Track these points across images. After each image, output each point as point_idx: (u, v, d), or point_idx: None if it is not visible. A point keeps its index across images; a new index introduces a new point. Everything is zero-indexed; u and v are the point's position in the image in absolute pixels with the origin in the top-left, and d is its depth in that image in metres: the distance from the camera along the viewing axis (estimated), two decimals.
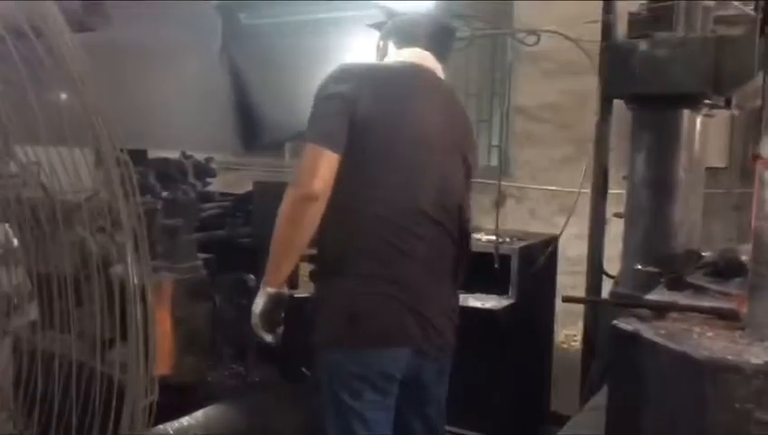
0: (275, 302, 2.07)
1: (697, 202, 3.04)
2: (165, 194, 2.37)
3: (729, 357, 1.85)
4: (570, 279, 3.74)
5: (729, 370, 1.82)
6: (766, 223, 1.98)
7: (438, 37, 2.20)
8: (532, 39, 3.42)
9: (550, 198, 4.39)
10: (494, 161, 4.52)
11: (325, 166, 1.98)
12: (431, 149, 2.12)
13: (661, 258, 2.78)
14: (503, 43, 4.39)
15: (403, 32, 2.20)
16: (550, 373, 3.76)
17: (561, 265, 3.86)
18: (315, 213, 1.99)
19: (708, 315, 2.21)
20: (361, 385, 2.03)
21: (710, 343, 1.98)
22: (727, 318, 2.13)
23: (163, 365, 2.10)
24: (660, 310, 2.29)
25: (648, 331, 2.09)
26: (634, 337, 2.09)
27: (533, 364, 3.58)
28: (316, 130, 2.02)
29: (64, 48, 1.22)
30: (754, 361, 1.81)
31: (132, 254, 1.20)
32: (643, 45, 2.84)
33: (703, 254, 2.83)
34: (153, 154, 2.76)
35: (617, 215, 3.18)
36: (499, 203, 4.50)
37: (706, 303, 2.34)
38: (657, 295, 2.51)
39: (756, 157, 2.03)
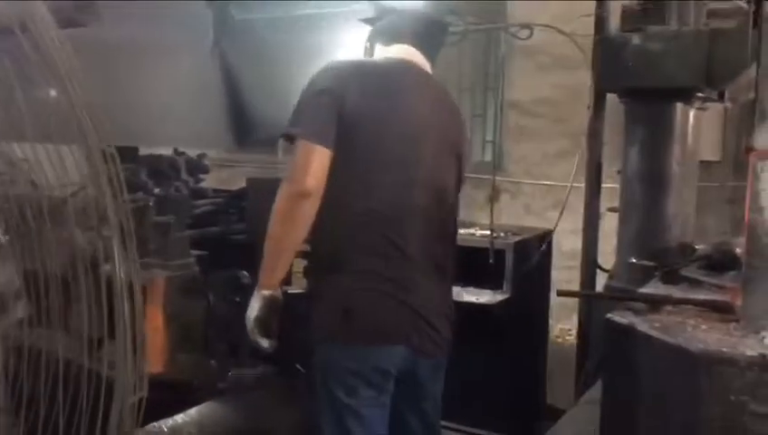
0: (271, 306, 2.06)
1: (691, 195, 3.04)
2: (157, 191, 2.36)
3: (724, 349, 1.84)
4: (565, 274, 3.75)
5: (724, 362, 1.82)
6: (759, 215, 1.98)
7: (426, 34, 2.20)
8: (525, 33, 3.41)
9: (544, 193, 4.40)
10: (489, 156, 4.52)
11: (318, 163, 1.97)
12: (422, 144, 2.11)
13: (655, 252, 2.77)
14: (496, 38, 4.38)
15: (389, 30, 2.20)
16: (545, 368, 3.76)
17: (556, 260, 3.86)
18: (309, 210, 1.98)
19: (703, 308, 2.21)
20: (356, 381, 2.02)
21: (705, 335, 1.97)
22: (722, 311, 2.12)
23: (156, 362, 2.09)
24: (655, 303, 2.29)
25: (642, 324, 2.08)
26: (628, 330, 2.09)
27: (529, 359, 3.58)
28: (307, 127, 2.00)
29: (51, 45, 1.20)
30: (749, 353, 1.81)
31: (119, 249, 1.19)
32: (636, 39, 2.84)
33: (697, 247, 2.83)
34: (145, 151, 2.74)
35: (611, 209, 3.18)
36: (493, 198, 4.51)
37: (701, 296, 2.33)
38: (652, 289, 2.51)
39: (749, 149, 2.03)
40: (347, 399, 2.02)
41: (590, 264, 3.17)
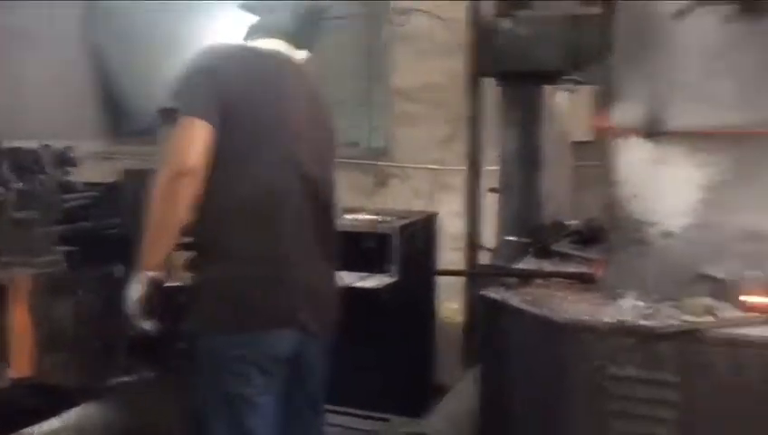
0: (153, 286, 2.01)
1: (565, 175, 3.18)
2: (19, 185, 2.23)
3: (585, 318, 1.95)
4: (453, 255, 3.83)
5: (585, 330, 1.93)
6: (615, 190, 2.11)
7: (298, 30, 2.21)
8: (404, 19, 3.45)
9: (432, 177, 4.47)
10: (376, 142, 4.56)
11: (199, 139, 1.93)
12: (300, 128, 2.12)
13: (531, 229, 2.89)
14: (378, 24, 4.41)
15: (263, 27, 2.21)
16: (434, 347, 3.85)
17: (444, 243, 3.94)
18: (190, 189, 1.93)
19: (571, 280, 2.33)
20: (249, 370, 1.99)
21: (570, 305, 2.08)
22: (586, 281, 2.25)
23: (24, 365, 1.99)
24: (525, 277, 2.40)
25: (513, 298, 2.18)
26: (500, 304, 2.18)
27: (417, 339, 3.66)
28: (187, 105, 1.97)
29: None
30: (607, 320, 1.93)
31: None
32: (507, 24, 2.93)
33: (569, 223, 2.97)
34: (8, 144, 2.59)
35: (492, 190, 3.28)
36: (381, 183, 4.56)
37: (569, 269, 2.46)
38: (526, 264, 2.63)
39: (606, 128, 2.14)
40: (239, 388, 1.99)
41: (472, 244, 3.25)
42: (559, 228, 2.90)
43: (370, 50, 4.47)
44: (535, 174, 3.04)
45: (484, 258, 3.26)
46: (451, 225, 3.91)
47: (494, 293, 2.25)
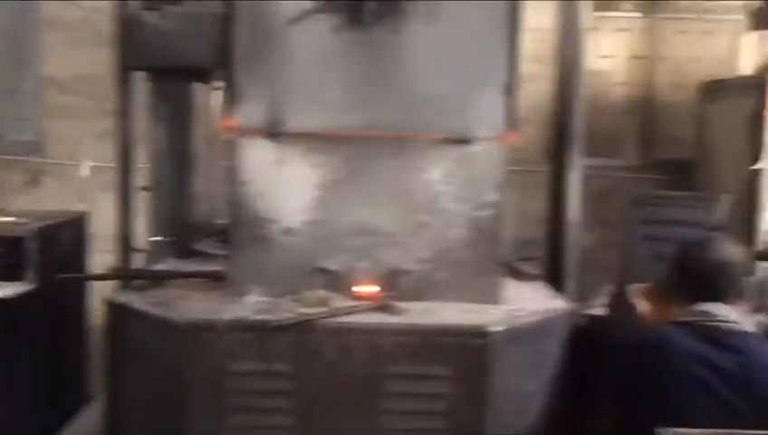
0: None
1: (216, 173, 3.16)
2: None
3: (203, 316, 1.95)
4: (109, 258, 3.61)
5: (204, 329, 1.92)
6: (239, 188, 2.14)
7: None
8: (50, 4, 3.15)
9: (94, 175, 4.19)
10: (25, 136, 4.13)
11: None
12: None
13: (178, 229, 2.84)
14: (24, 8, 4.01)
15: None
16: (85, 355, 3.59)
17: (102, 245, 3.70)
18: None
19: (204, 279, 2.32)
20: None
21: (196, 305, 2.07)
22: (218, 280, 2.25)
23: None
24: (162, 278, 2.34)
25: (138, 300, 2.10)
26: (123, 307, 2.09)
27: (65, 350, 3.37)
28: None
29: None
30: (227, 317, 1.95)
31: None
32: (152, 17, 2.83)
33: (217, 222, 2.96)
34: None
35: (144, 188, 3.15)
36: (31, 182, 4.15)
37: (207, 268, 2.45)
38: (167, 265, 2.57)
39: (228, 127, 2.17)
40: None
41: (124, 245, 3.10)
42: (205, 228, 2.89)
43: (19, 34, 4.03)
44: (186, 172, 2.98)
45: (139, 260, 3.13)
46: (109, 226, 3.69)
47: (120, 296, 2.15)
